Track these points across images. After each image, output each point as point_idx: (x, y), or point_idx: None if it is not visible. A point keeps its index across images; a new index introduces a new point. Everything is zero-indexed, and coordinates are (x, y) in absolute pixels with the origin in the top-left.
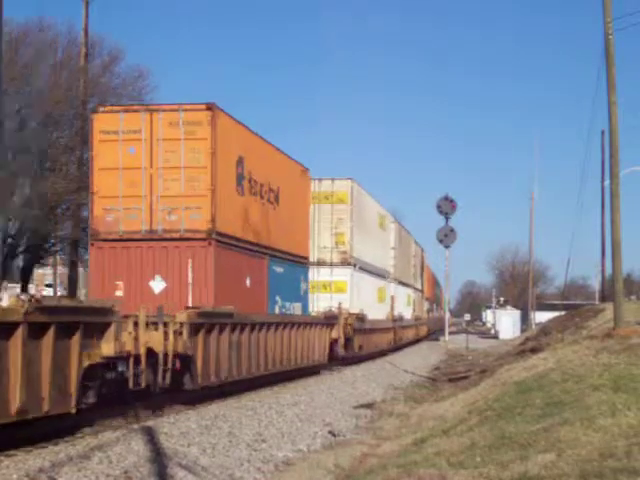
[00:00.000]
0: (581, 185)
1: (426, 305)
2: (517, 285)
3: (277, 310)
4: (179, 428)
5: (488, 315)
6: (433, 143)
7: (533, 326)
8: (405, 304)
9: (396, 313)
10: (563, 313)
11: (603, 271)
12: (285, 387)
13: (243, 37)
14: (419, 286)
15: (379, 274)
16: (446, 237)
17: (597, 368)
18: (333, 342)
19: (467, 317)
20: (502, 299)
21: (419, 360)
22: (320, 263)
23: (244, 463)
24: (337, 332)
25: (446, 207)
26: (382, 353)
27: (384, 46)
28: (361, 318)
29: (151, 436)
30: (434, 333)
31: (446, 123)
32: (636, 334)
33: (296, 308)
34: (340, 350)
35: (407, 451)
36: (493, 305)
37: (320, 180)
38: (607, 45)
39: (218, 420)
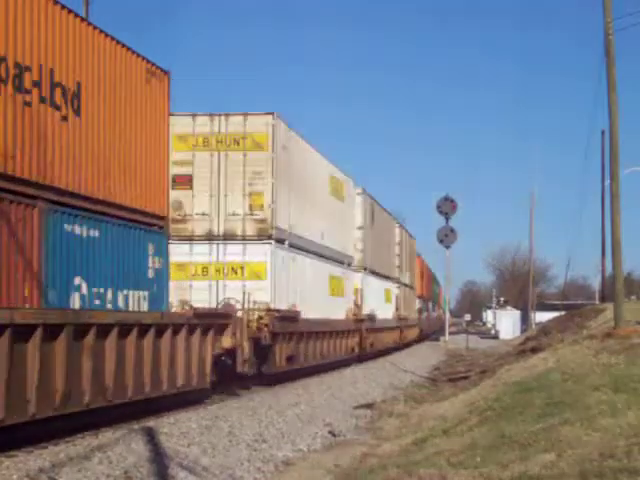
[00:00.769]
0: (581, 185)
1: (418, 303)
2: (517, 285)
3: (76, 302)
4: (179, 428)
5: (488, 315)
6: (433, 143)
7: (533, 326)
8: (382, 300)
9: (367, 311)
10: (563, 313)
11: (603, 271)
12: (285, 387)
13: (245, 37)
14: (407, 280)
15: (334, 259)
16: (446, 237)
17: (597, 368)
18: (232, 353)
19: (467, 317)
20: (502, 299)
21: (419, 360)
22: (228, 237)
23: (244, 463)
24: (231, 339)
25: (446, 207)
26: (339, 365)
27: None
28: (289, 317)
29: (151, 436)
30: (433, 334)
31: (446, 123)
32: (636, 334)
33: (134, 300)
34: (242, 366)
35: (407, 451)
36: (493, 305)
37: (226, 116)
38: (607, 45)
39: (218, 420)
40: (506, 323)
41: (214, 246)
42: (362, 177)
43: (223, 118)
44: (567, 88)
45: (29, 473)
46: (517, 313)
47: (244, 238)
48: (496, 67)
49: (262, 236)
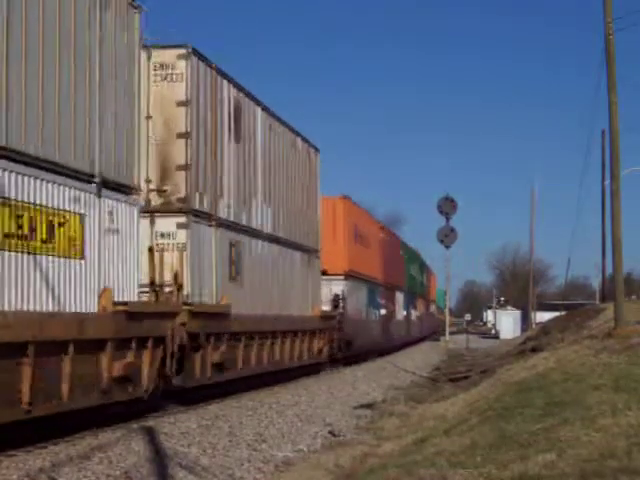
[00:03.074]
0: (582, 185)
1: (338, 285)
2: (517, 285)
3: None
4: (179, 428)
5: (489, 315)
6: (433, 142)
7: (533, 326)
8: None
9: None
10: (563, 313)
11: (603, 271)
12: (285, 387)
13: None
14: (267, 227)
15: None
16: (446, 237)
17: (597, 368)
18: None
19: (467, 317)
20: (502, 299)
21: (420, 360)
22: None
23: (244, 463)
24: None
25: (447, 207)
26: None
27: (383, 40)
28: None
29: (151, 436)
30: (402, 348)
31: (446, 122)
32: (636, 334)
33: None
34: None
35: (407, 451)
36: (494, 305)
37: None
38: (607, 45)
39: (218, 420)
40: (506, 323)
41: None
42: (363, 177)
43: None
44: (568, 88)
45: (29, 473)
46: (517, 313)
47: None
48: (496, 67)
49: None
